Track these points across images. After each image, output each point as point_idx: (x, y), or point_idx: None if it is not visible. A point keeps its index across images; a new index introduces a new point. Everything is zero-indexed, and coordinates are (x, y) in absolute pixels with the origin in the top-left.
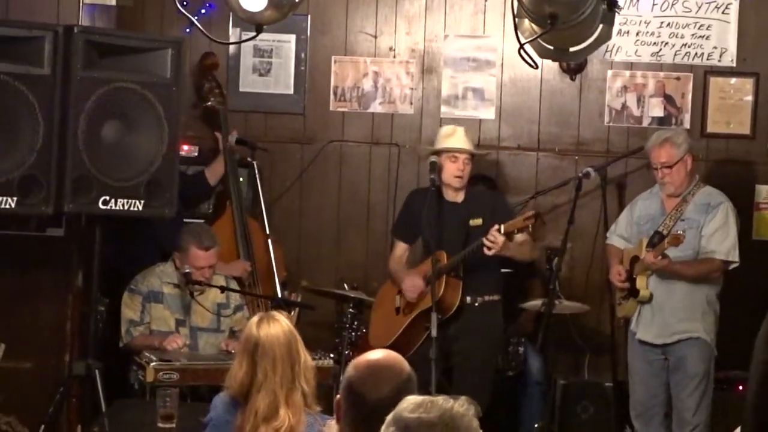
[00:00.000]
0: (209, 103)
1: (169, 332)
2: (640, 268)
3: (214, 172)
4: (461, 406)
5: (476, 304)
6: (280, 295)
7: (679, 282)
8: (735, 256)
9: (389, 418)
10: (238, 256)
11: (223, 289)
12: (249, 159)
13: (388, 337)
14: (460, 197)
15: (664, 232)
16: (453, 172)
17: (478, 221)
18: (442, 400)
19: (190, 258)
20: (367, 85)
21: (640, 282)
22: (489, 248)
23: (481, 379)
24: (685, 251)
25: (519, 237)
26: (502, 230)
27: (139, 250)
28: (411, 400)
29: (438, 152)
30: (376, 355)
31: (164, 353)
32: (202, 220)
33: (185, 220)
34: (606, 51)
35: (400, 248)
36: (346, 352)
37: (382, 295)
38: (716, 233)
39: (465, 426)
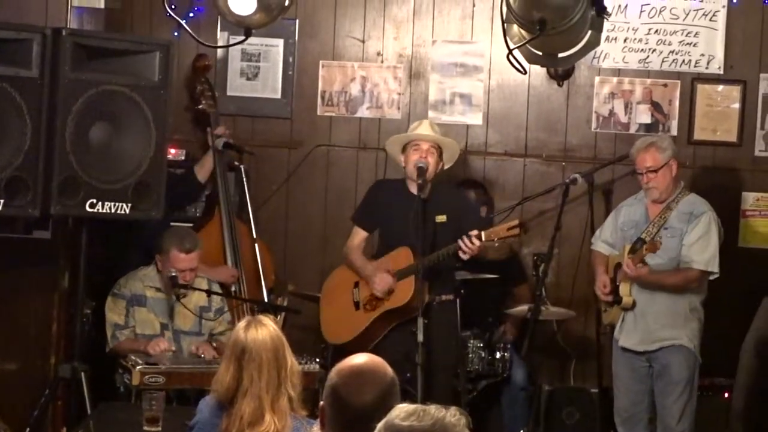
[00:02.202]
0: (200, 105)
1: (154, 335)
2: (623, 275)
3: (202, 168)
4: (453, 416)
5: (435, 303)
6: (266, 299)
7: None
8: (714, 267)
9: (380, 425)
10: (225, 261)
11: (209, 293)
12: (236, 163)
13: (349, 334)
14: (424, 192)
15: (647, 239)
16: (415, 161)
17: (443, 218)
18: (434, 409)
19: (171, 260)
20: (354, 89)
21: (623, 289)
22: (464, 253)
23: (444, 378)
24: (664, 259)
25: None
26: (483, 237)
27: (127, 252)
28: (403, 408)
29: (404, 147)
30: (358, 359)
31: (150, 356)
32: (190, 224)
33: (173, 223)
34: (594, 57)
35: (359, 236)
36: (332, 356)
37: (333, 284)
38: (696, 243)
39: None
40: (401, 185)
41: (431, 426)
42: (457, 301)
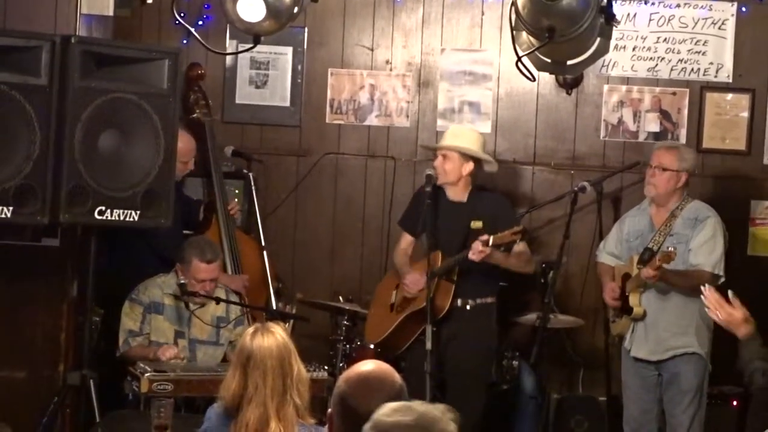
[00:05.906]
0: (195, 115)
1: (167, 344)
2: (633, 285)
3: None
4: (437, 409)
5: (468, 308)
6: (274, 307)
7: (671, 297)
8: (721, 270)
9: (368, 424)
10: (225, 269)
11: (218, 300)
12: (245, 171)
13: (380, 334)
14: (463, 197)
15: (654, 248)
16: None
17: (479, 224)
18: (419, 404)
19: (192, 270)
20: (363, 97)
21: (633, 299)
22: (473, 254)
23: (474, 385)
24: (675, 266)
25: (518, 246)
26: (490, 243)
27: (135, 260)
28: (389, 406)
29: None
30: (366, 367)
31: (159, 364)
32: (191, 232)
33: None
34: (602, 66)
35: (406, 241)
36: (341, 364)
37: (382, 288)
38: (703, 246)
39: (440, 429)
40: (441, 191)
41: (415, 420)
42: (495, 305)
